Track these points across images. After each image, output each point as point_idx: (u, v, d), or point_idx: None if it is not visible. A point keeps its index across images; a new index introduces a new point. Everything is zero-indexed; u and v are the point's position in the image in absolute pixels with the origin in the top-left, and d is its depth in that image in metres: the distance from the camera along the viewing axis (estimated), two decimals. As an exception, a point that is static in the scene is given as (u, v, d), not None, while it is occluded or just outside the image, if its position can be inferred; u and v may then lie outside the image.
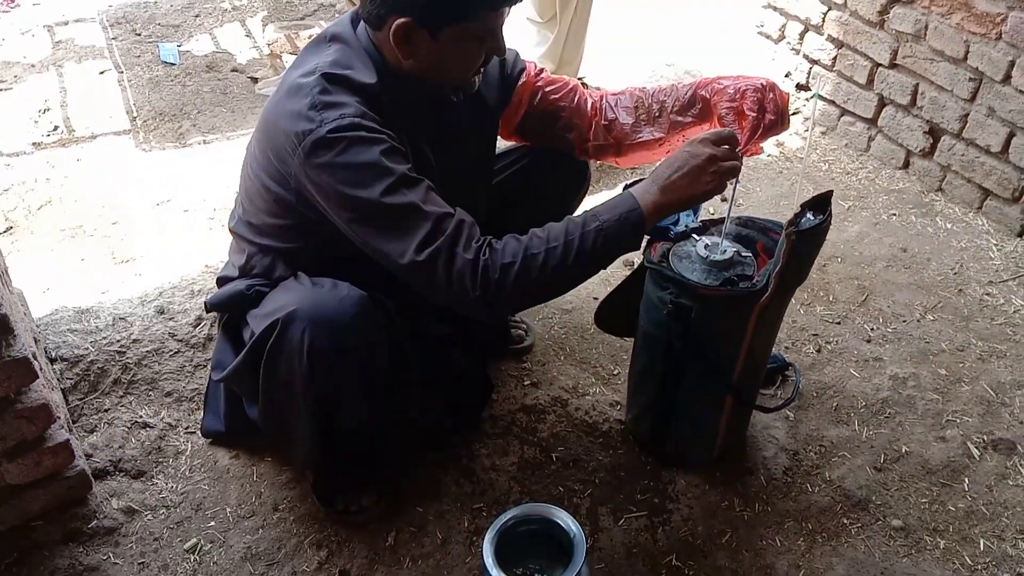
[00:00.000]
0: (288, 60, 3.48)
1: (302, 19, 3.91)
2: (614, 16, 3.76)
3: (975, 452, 1.92)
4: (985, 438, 1.96)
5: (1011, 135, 2.57)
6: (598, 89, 1.83)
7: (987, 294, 2.40)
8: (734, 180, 1.47)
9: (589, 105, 1.75)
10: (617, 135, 1.72)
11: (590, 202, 2.66)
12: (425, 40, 1.43)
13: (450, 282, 1.37)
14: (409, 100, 1.52)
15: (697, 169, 1.41)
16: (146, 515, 1.75)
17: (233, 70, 3.54)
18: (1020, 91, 2.49)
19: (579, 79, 2.89)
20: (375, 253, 1.42)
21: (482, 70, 1.55)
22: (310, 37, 3.50)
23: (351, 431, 1.61)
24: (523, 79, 1.76)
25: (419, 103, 1.55)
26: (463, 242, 1.38)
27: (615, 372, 2.12)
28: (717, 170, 1.42)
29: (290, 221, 1.54)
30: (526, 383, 2.05)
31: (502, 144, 1.86)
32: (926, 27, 2.71)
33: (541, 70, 1.81)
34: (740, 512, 1.78)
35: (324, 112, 1.38)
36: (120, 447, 1.85)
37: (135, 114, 3.19)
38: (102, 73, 3.48)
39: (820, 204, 1.53)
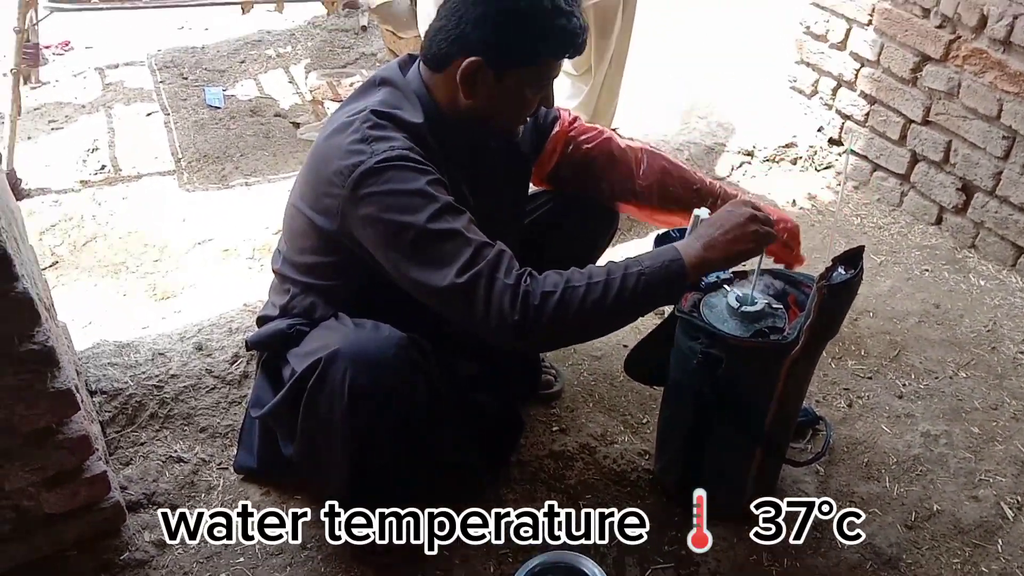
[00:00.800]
0: (330, 106, 3.58)
1: (344, 67, 4.02)
2: (648, 67, 3.82)
3: (1009, 513, 1.89)
4: (1019, 499, 1.93)
5: (1045, 193, 2.57)
6: (631, 140, 1.88)
7: (1021, 352, 2.38)
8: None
9: (624, 157, 1.80)
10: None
11: (620, 250, 2.71)
12: (489, 81, 1.49)
13: (489, 305, 1.38)
14: (452, 142, 1.57)
15: (738, 228, 1.45)
16: (177, 549, 1.77)
17: (276, 115, 3.64)
18: (1054, 150, 2.50)
19: (613, 130, 2.93)
20: (412, 283, 1.43)
21: (528, 119, 1.60)
22: (351, 85, 3.61)
23: (382, 468, 1.63)
24: (556, 128, 1.81)
25: (461, 147, 1.60)
26: (504, 268, 1.40)
27: (644, 421, 2.13)
28: (757, 230, 1.46)
29: (333, 258, 1.58)
30: (555, 429, 2.06)
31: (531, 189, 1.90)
32: (959, 85, 2.73)
33: (575, 118, 1.85)
34: (768, 567, 1.77)
35: (374, 144, 1.44)
36: (154, 480, 1.88)
37: (180, 155, 3.29)
38: (149, 115, 3.59)
39: (852, 259, 1.54)
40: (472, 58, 1.46)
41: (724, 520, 1.84)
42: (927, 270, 2.73)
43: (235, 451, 1.93)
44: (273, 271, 1.76)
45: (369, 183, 1.42)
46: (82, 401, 1.68)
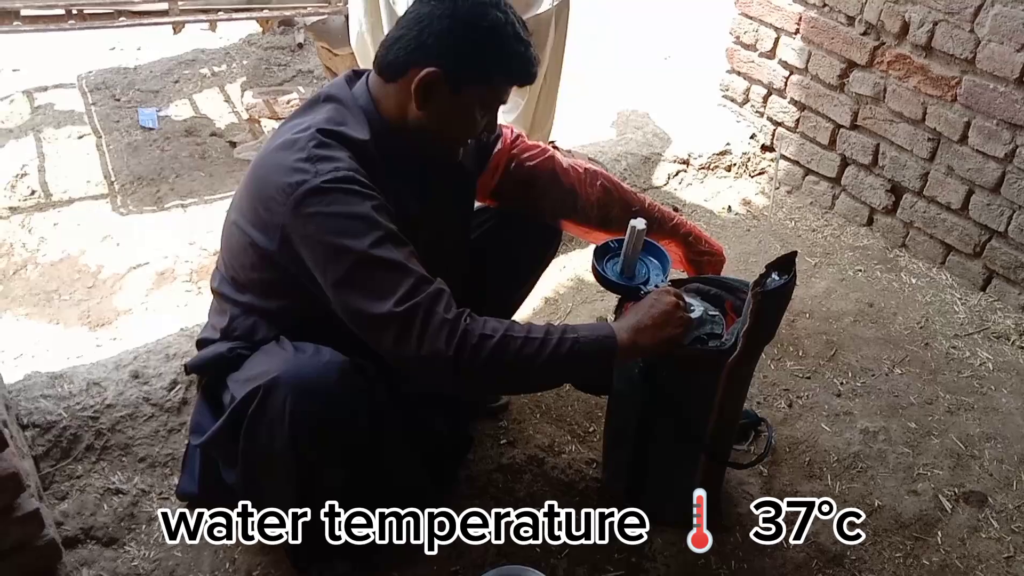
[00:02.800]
0: (267, 124, 3.54)
1: (280, 84, 3.99)
2: (582, 80, 3.87)
3: (947, 505, 1.95)
4: (956, 491, 1.98)
5: (970, 192, 2.66)
6: (569, 152, 1.90)
7: (953, 347, 2.45)
8: None
9: (566, 176, 1.82)
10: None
11: (563, 261, 2.73)
12: (444, 94, 1.48)
13: (423, 338, 1.37)
14: (398, 157, 1.56)
15: (664, 315, 1.52)
16: (117, 583, 1.72)
17: (212, 135, 3.59)
18: (977, 150, 2.59)
19: (550, 142, 2.95)
20: (347, 308, 1.42)
21: (469, 143, 1.61)
22: (288, 102, 3.57)
23: (329, 496, 1.61)
24: (499, 145, 1.82)
25: (407, 161, 1.59)
26: (444, 304, 1.40)
27: (591, 429, 2.14)
28: (682, 318, 1.53)
29: (272, 276, 1.55)
30: (502, 442, 2.06)
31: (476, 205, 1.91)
32: (885, 90, 2.82)
33: (518, 136, 1.87)
34: (717, 570, 1.79)
35: (318, 164, 1.42)
36: (92, 514, 1.83)
37: (113, 178, 3.22)
38: (81, 138, 3.52)
39: (785, 264, 1.57)
40: (430, 68, 1.46)
41: (673, 525, 1.85)
42: (860, 270, 2.80)
43: (177, 480, 1.89)
44: (212, 291, 1.73)
45: (312, 203, 1.40)
46: (12, 436, 1.63)
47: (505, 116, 2.91)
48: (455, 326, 1.38)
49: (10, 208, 3.01)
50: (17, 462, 1.58)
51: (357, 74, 1.61)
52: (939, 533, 1.89)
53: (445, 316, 1.38)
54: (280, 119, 3.34)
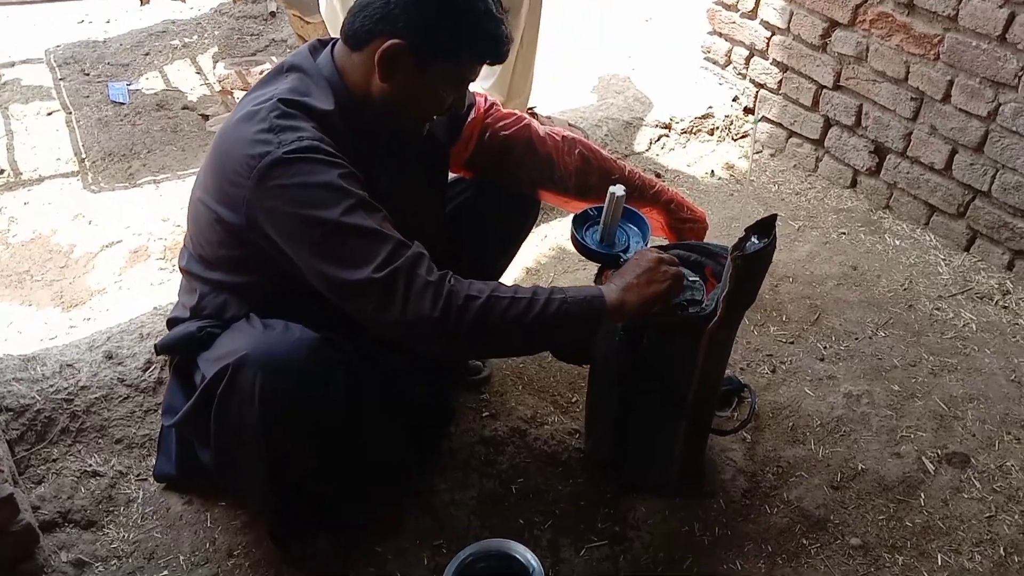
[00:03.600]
0: (239, 96, 3.46)
1: (253, 55, 3.90)
2: (562, 44, 3.80)
3: (930, 467, 1.95)
4: (939, 452, 1.98)
5: (953, 152, 2.63)
6: (549, 119, 1.86)
7: (937, 309, 2.44)
8: None
9: (543, 145, 1.78)
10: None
11: (543, 230, 2.69)
12: (408, 68, 1.43)
13: (407, 302, 1.34)
14: (365, 129, 1.51)
15: (650, 271, 1.50)
16: (97, 567, 1.70)
17: (184, 108, 3.51)
18: (960, 109, 2.56)
19: (529, 109, 2.91)
20: (323, 279, 1.38)
21: (435, 119, 1.57)
22: (261, 73, 3.48)
23: (305, 473, 1.58)
24: (473, 114, 1.78)
25: (374, 133, 1.54)
26: (425, 267, 1.37)
27: (573, 400, 2.12)
28: (667, 270, 1.50)
29: (240, 252, 1.51)
30: (484, 415, 2.04)
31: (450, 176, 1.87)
32: (867, 49, 2.78)
33: (492, 104, 1.82)
34: (700, 537, 1.78)
35: (281, 135, 1.37)
36: (69, 498, 1.80)
37: (83, 155, 3.15)
38: (50, 114, 3.43)
39: (765, 228, 1.54)
40: (395, 40, 1.41)
41: (656, 493, 1.85)
42: (844, 233, 2.79)
43: (154, 461, 1.86)
44: (180, 269, 1.69)
45: (276, 175, 1.36)
46: (-18, 422, 1.60)
47: (481, 83, 2.86)
48: (439, 288, 1.35)
49: (-22, 188, 2.94)
50: (-13, 447, 1.55)
51: (322, 43, 1.56)
52: (922, 495, 1.89)
53: (428, 279, 1.35)
54: (253, 91, 3.27)
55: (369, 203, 1.39)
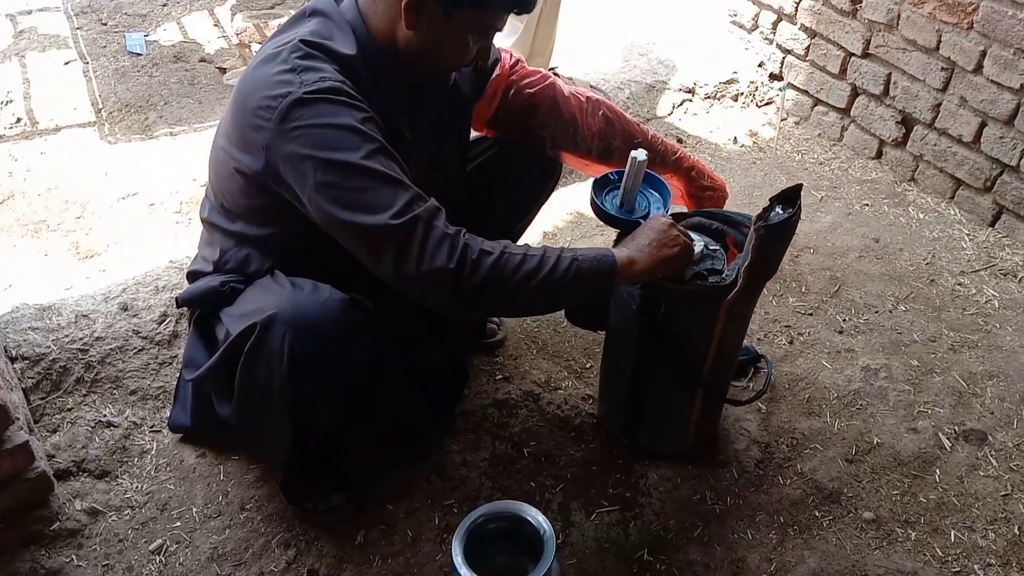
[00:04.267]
0: (257, 49, 3.42)
1: (271, 8, 3.84)
2: (585, 3, 3.73)
3: (946, 443, 1.93)
4: (956, 429, 1.96)
5: (983, 125, 2.58)
6: (571, 80, 1.82)
7: (959, 284, 2.41)
8: None
9: (567, 105, 1.75)
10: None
11: (562, 194, 2.66)
12: (436, 16, 1.39)
13: (424, 251, 1.31)
14: (387, 77, 1.48)
15: (661, 234, 1.49)
16: (110, 516, 1.72)
17: (201, 60, 3.47)
18: (991, 81, 2.50)
19: (551, 69, 2.86)
20: (339, 224, 1.34)
21: (462, 69, 1.53)
22: (280, 25, 3.45)
23: (324, 431, 1.58)
24: (497, 71, 1.74)
25: (397, 82, 1.51)
26: (442, 219, 1.35)
27: (588, 366, 2.11)
28: (677, 238, 1.49)
29: (262, 201, 1.47)
30: (498, 378, 2.04)
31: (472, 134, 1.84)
32: (898, 16, 2.71)
33: (517, 61, 1.78)
34: (712, 505, 1.78)
35: (303, 75, 1.34)
36: (83, 447, 1.81)
37: (100, 105, 3.13)
38: (67, 64, 3.40)
39: (789, 198, 1.51)
40: None
41: (668, 461, 1.84)
42: (867, 204, 2.74)
43: (168, 412, 1.87)
44: (201, 220, 1.66)
45: (297, 115, 1.32)
46: (0, 369, 1.60)
47: (503, 40, 2.81)
48: (455, 241, 1.33)
49: (-4, 136, 2.93)
50: (5, 394, 1.56)
51: None
52: (937, 471, 1.87)
53: (446, 231, 1.33)
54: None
55: (389, 151, 1.36)
